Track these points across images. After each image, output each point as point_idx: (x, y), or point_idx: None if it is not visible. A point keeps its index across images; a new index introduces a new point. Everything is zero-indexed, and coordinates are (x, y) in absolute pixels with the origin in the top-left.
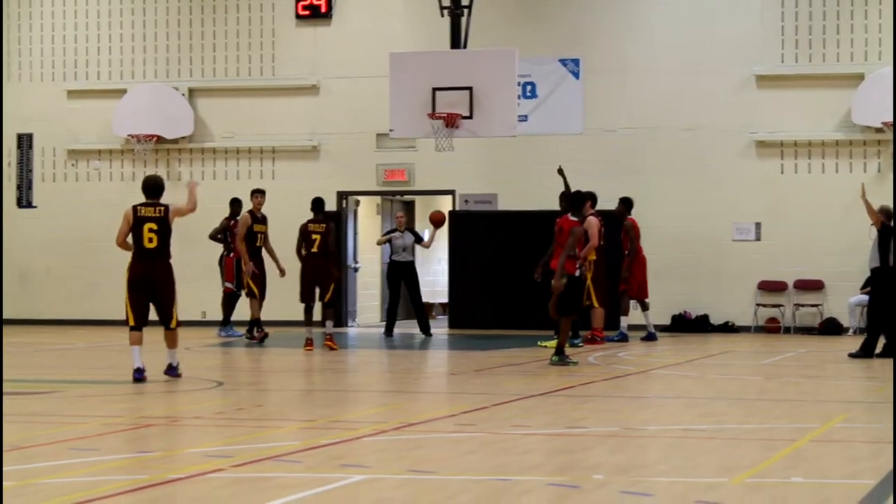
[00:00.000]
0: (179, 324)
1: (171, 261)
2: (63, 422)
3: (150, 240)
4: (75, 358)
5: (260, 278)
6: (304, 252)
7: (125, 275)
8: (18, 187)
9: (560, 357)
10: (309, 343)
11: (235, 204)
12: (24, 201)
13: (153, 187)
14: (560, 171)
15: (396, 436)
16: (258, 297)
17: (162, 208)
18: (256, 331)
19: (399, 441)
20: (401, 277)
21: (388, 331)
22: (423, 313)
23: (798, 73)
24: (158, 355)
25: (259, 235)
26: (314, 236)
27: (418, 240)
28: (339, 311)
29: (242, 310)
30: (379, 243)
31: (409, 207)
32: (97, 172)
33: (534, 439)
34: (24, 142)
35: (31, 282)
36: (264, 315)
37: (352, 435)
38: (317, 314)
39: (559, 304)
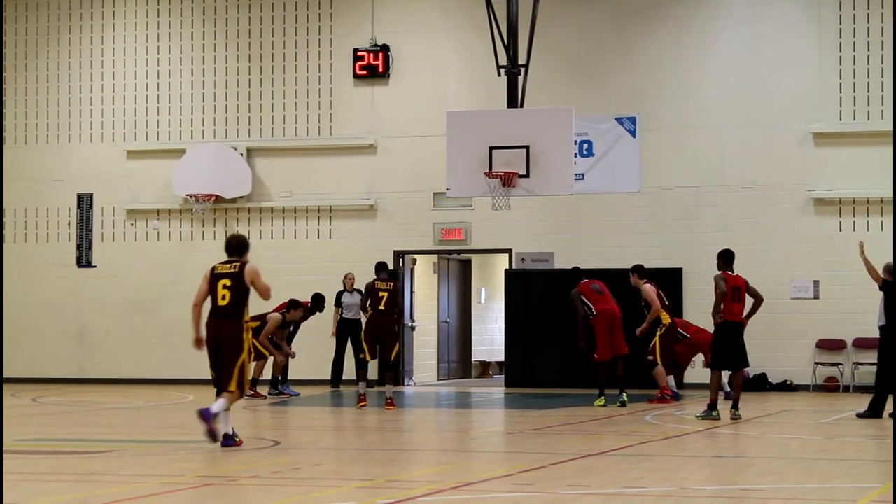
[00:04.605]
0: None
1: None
2: (122, 481)
3: (223, 297)
4: (133, 417)
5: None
6: (370, 310)
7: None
8: (78, 247)
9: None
10: (362, 399)
11: (318, 300)
12: (84, 261)
13: (234, 245)
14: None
15: (454, 495)
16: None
17: (238, 265)
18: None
19: (456, 500)
20: (348, 334)
21: (335, 383)
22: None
23: (856, 130)
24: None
25: (274, 336)
26: (381, 293)
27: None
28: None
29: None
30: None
31: (466, 266)
32: (156, 232)
33: (591, 499)
34: (85, 202)
35: (89, 340)
36: (314, 374)
37: (409, 494)
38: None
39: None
